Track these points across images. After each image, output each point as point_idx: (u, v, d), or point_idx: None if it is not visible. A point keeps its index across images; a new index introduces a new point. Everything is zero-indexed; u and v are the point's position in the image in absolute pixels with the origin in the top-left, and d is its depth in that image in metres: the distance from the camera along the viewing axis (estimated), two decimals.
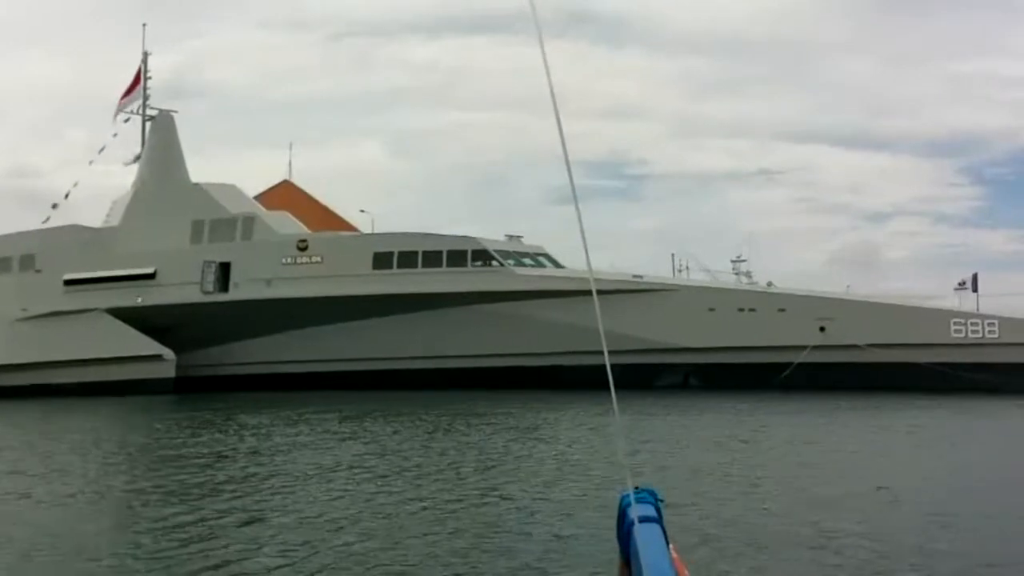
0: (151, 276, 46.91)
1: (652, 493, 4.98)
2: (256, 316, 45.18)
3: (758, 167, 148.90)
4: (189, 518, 13.06)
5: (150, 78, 50.83)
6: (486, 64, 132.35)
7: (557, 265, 46.78)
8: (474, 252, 45.10)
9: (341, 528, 12.35)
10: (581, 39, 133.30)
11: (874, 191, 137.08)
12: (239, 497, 14.79)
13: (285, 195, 67.69)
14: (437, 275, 44.60)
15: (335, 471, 17.60)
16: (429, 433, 25.29)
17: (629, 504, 4.76)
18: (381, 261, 45.13)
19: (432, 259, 44.90)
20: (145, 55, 50.84)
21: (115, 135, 50.77)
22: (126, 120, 50.79)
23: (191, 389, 44.41)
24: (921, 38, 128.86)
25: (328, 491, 15.28)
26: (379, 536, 11.87)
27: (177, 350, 45.42)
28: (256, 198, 67.91)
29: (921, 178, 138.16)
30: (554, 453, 20.78)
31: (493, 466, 18.42)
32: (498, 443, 22.51)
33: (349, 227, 57.18)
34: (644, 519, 4.62)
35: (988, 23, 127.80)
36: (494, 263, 45.10)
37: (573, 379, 43.53)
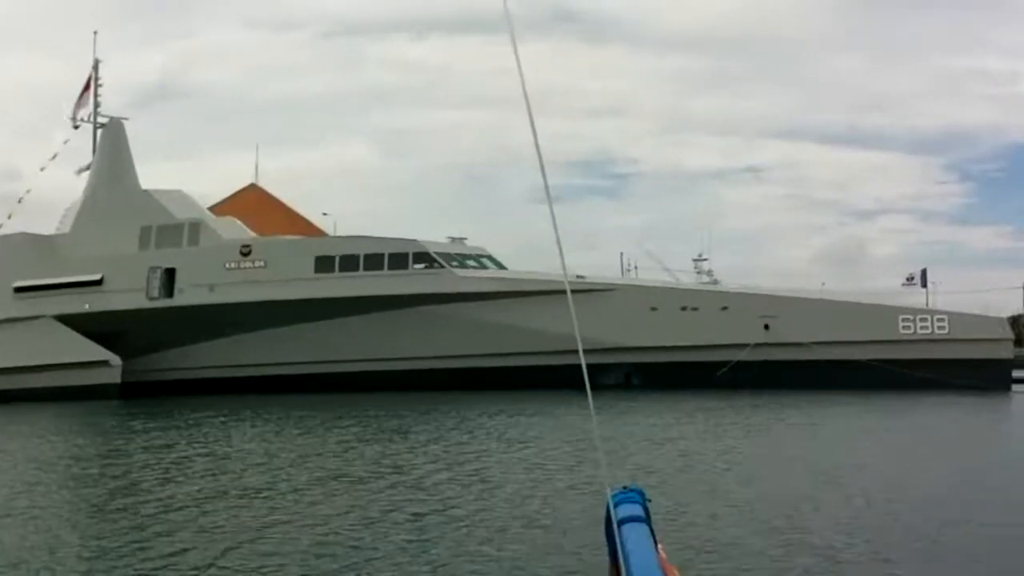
0: (98, 283, 47.21)
1: (640, 492, 4.92)
2: (200, 321, 45.45)
3: (745, 164, 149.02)
4: None
5: (101, 85, 51.16)
6: (474, 63, 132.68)
7: (500, 267, 46.89)
8: (415, 255, 45.29)
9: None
10: (567, 38, 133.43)
11: (861, 188, 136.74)
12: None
13: (252, 198, 67.82)
14: (378, 278, 44.78)
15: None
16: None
17: (617, 504, 4.73)
18: (323, 265, 45.37)
19: (373, 262, 45.10)
20: (96, 62, 51.19)
21: (66, 141, 51.20)
22: (76, 127, 51.13)
23: (139, 394, 44.68)
24: (908, 35, 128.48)
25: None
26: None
27: (125, 355, 45.67)
28: (223, 202, 68.36)
29: (908, 175, 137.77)
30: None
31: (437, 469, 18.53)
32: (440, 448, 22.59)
33: (316, 230, 57.32)
34: (632, 519, 4.60)
35: (974, 20, 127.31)
36: (435, 265, 45.21)
37: (514, 380, 43.70)
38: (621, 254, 51.02)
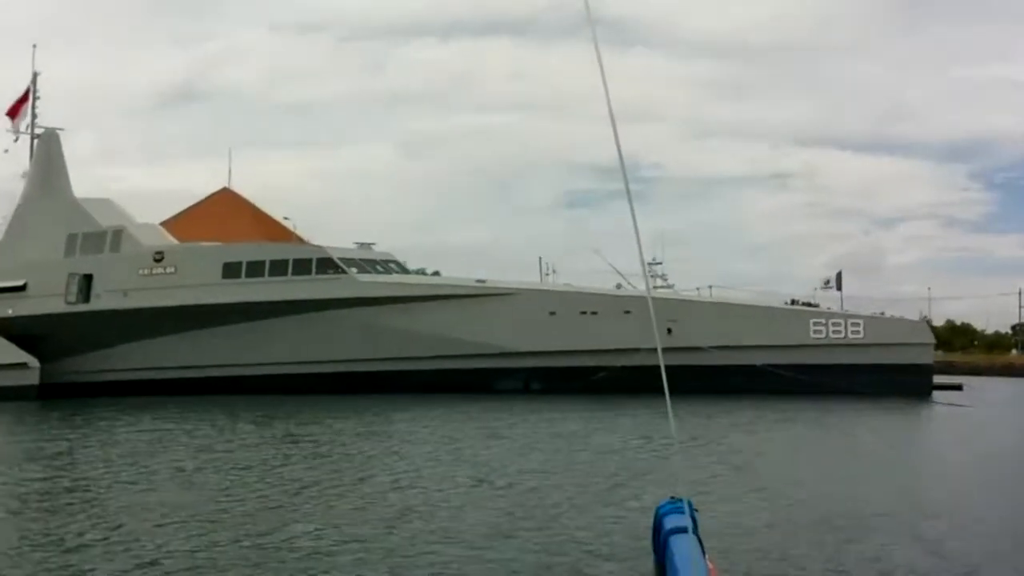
0: (23, 288, 48.80)
1: (687, 503, 5.05)
2: (115, 325, 46.83)
3: (770, 171, 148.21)
4: None
5: (39, 97, 52.78)
6: (497, 67, 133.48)
7: (405, 271, 47.56)
8: (319, 260, 46.18)
9: None
10: (591, 41, 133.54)
11: (884, 196, 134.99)
12: None
13: (223, 203, 69.19)
14: (281, 283, 45.77)
15: None
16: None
17: (664, 514, 4.95)
18: (230, 271, 46.48)
19: (278, 268, 46.10)
20: (35, 75, 52.79)
21: (6, 151, 52.82)
22: (16, 139, 52.79)
23: (58, 396, 46.10)
24: (932, 44, 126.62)
25: None
26: None
27: (47, 358, 47.08)
28: (195, 206, 69.87)
29: (931, 183, 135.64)
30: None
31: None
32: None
33: (287, 234, 58.21)
34: (680, 530, 4.74)
35: (998, 28, 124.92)
36: (338, 271, 46.02)
37: (414, 383, 44.32)
38: (540, 258, 51.45)
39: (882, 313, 51.77)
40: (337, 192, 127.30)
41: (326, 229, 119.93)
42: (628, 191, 4.45)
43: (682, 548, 4.42)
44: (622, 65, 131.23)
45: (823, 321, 47.51)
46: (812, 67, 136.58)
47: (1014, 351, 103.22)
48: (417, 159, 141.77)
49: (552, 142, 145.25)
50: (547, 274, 51.52)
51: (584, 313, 45.21)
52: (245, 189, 66.44)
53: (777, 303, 59.41)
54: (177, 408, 36.89)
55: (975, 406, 42.13)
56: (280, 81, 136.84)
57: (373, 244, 48.77)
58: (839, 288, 49.80)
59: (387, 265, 47.64)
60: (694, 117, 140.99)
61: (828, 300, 54.56)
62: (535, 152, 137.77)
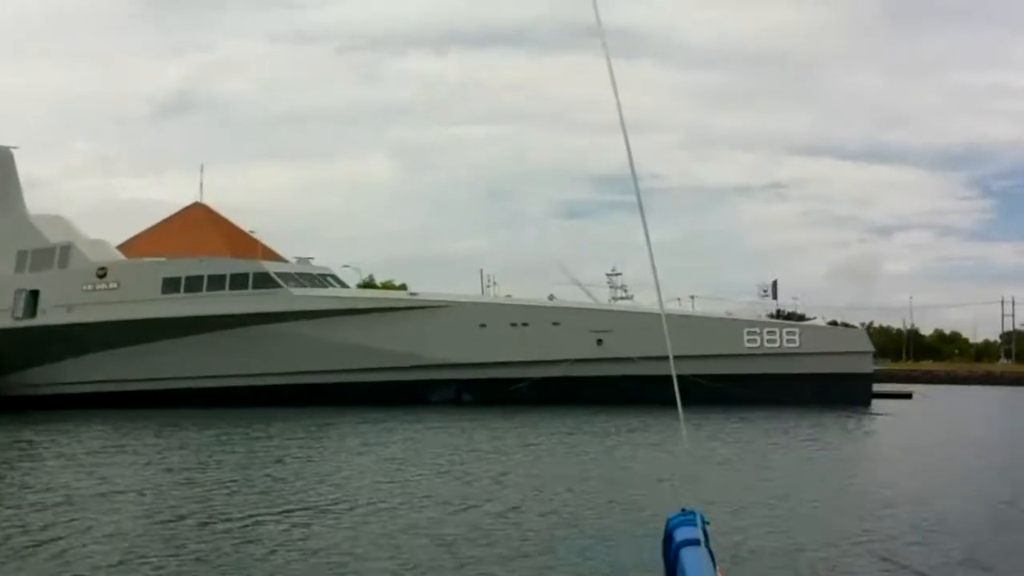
0: None
1: (699, 515, 4.98)
2: (61, 340, 47.80)
3: (767, 181, 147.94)
4: None
5: None
6: (493, 78, 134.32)
7: (343, 286, 48.32)
8: (256, 275, 47.05)
9: None
10: (593, 52, 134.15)
11: (882, 204, 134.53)
12: None
13: (194, 217, 70.51)
14: (218, 298, 46.65)
15: None
16: None
17: (675, 527, 4.89)
18: (169, 286, 47.45)
19: (216, 283, 47.04)
20: None
21: None
22: None
23: (9, 408, 47.20)
24: (929, 51, 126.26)
25: None
26: None
27: None
28: (167, 220, 70.99)
29: (929, 191, 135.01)
30: None
31: None
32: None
33: (256, 247, 59.00)
34: (691, 542, 4.66)
35: (994, 36, 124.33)
36: (274, 286, 46.84)
37: (348, 396, 45.00)
38: (481, 271, 52.19)
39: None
40: (332, 203, 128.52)
41: (319, 242, 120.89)
42: (640, 202, 4.77)
43: (693, 560, 4.46)
44: (618, 76, 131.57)
45: (757, 330, 47.77)
46: (809, 76, 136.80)
47: (1002, 359, 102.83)
48: (414, 170, 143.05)
49: (550, 153, 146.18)
50: (488, 286, 52.18)
51: (514, 325, 45.77)
52: (234, 202, 67.71)
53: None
54: (97, 422, 37.78)
55: (896, 415, 42.35)
56: (276, 92, 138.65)
57: (311, 259, 49.69)
58: (775, 297, 50.11)
59: (324, 279, 48.48)
60: (691, 127, 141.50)
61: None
62: (533, 163, 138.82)
